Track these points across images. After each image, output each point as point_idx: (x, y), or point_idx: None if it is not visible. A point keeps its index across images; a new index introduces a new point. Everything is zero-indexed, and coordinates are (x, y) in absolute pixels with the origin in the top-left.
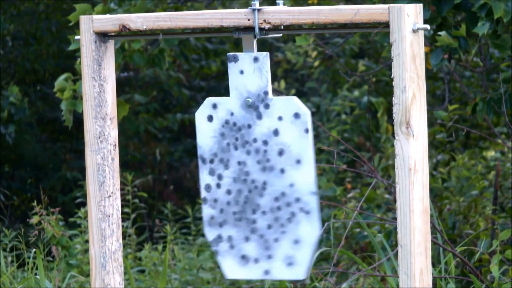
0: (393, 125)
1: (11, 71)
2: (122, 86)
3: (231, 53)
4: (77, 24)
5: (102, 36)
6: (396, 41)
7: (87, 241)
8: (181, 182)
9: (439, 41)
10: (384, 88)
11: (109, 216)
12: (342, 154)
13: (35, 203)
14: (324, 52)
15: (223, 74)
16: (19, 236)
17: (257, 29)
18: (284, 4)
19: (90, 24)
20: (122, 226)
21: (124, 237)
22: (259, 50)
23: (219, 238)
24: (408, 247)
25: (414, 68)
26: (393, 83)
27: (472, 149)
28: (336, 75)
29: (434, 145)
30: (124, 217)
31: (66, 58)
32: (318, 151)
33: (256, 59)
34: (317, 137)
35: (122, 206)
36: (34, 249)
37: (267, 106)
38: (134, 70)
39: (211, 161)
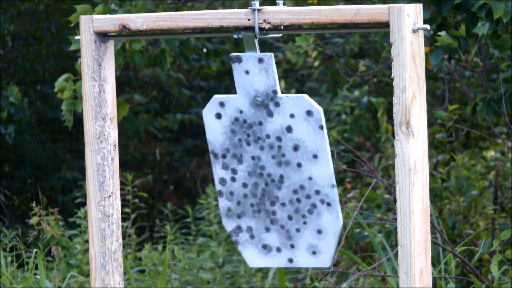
0: (393, 125)
1: (11, 71)
2: (122, 86)
3: (234, 54)
4: (77, 25)
5: (102, 36)
6: (396, 41)
7: (87, 241)
8: (181, 182)
9: (439, 41)
10: (384, 88)
11: (109, 216)
12: (342, 154)
13: (34, 203)
14: (324, 52)
15: (223, 74)
16: (18, 236)
17: (257, 29)
18: (284, 4)
19: (90, 24)
20: (122, 226)
21: (124, 237)
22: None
23: (238, 228)
24: (408, 247)
25: (414, 68)
26: (393, 83)
27: (472, 149)
28: (336, 75)
29: (434, 145)
30: (124, 217)
31: (66, 58)
32: None
33: (261, 60)
34: None
35: (122, 206)
36: (34, 249)
37: (277, 104)
38: (134, 69)
39: (224, 156)
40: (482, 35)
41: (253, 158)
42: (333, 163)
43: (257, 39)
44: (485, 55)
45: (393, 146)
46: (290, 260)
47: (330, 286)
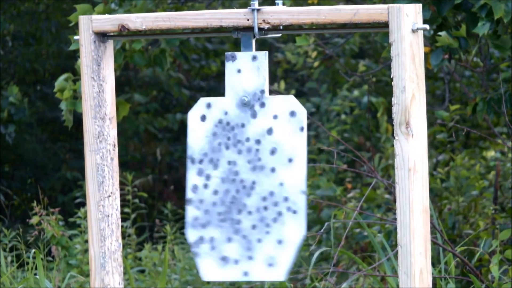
0: (393, 125)
1: (11, 71)
2: (122, 86)
3: (230, 52)
4: (77, 24)
5: (101, 36)
6: (396, 41)
7: (87, 241)
8: (181, 182)
9: (439, 41)
10: (384, 88)
11: (108, 216)
12: (342, 154)
13: (35, 203)
14: (324, 52)
15: (223, 74)
16: (18, 236)
17: (256, 29)
18: (283, 4)
19: (89, 24)
20: (122, 226)
21: (124, 237)
22: (258, 50)
23: (200, 239)
24: (408, 247)
25: (414, 68)
26: (392, 83)
27: (472, 149)
28: (336, 75)
29: (434, 145)
30: (124, 217)
31: (66, 58)
32: (318, 151)
33: (254, 58)
34: (317, 137)
35: (122, 206)
36: (34, 249)
37: (263, 105)
38: (134, 69)
39: (200, 161)
40: (483, 35)
41: (229, 163)
42: (333, 163)
43: (254, 39)
44: (485, 55)
45: (393, 146)
46: (245, 273)
47: (330, 286)
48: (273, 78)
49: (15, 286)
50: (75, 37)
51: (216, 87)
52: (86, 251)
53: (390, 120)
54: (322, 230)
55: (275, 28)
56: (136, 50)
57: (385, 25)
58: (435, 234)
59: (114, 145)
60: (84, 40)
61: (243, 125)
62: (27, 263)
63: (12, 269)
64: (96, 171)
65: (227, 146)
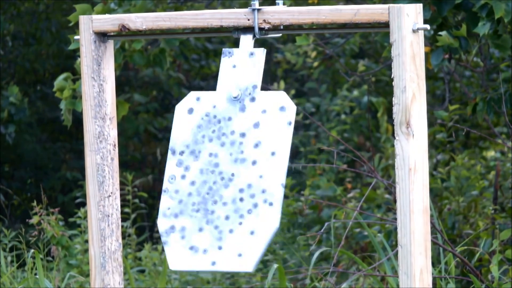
0: (393, 125)
1: (11, 71)
2: (122, 86)
3: (227, 48)
4: (77, 24)
5: (102, 36)
6: (396, 41)
7: (87, 241)
8: None
9: (439, 41)
10: (384, 88)
11: (108, 216)
12: (342, 154)
13: (35, 203)
14: (324, 52)
15: None
16: (19, 236)
17: (256, 29)
18: (284, 4)
19: (90, 24)
20: (122, 226)
21: (124, 237)
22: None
23: (171, 228)
24: (408, 247)
25: (414, 68)
26: (393, 83)
27: (472, 149)
28: (336, 75)
29: (434, 145)
30: (124, 217)
31: (66, 58)
32: (318, 151)
33: (252, 54)
34: (317, 137)
35: (122, 206)
36: (33, 249)
37: (253, 99)
38: (134, 69)
39: (181, 153)
40: (483, 35)
41: (210, 155)
42: (333, 163)
43: (253, 39)
44: (486, 55)
45: (393, 146)
46: (213, 263)
47: (330, 286)
48: (273, 78)
49: (15, 286)
50: (75, 37)
51: (216, 87)
52: (86, 251)
53: (390, 120)
54: (322, 230)
55: (275, 28)
56: (135, 49)
57: (386, 25)
58: (435, 234)
59: (114, 145)
60: (85, 40)
61: (229, 119)
62: (27, 263)
63: (12, 269)
64: (96, 171)
65: (211, 139)
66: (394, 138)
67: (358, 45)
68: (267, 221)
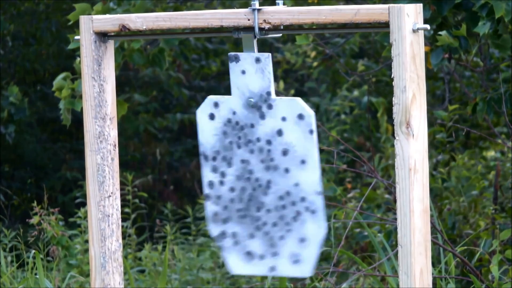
0: (393, 125)
1: (11, 71)
2: (122, 86)
3: (232, 53)
4: (77, 24)
5: (102, 36)
6: (396, 41)
7: (87, 241)
8: (181, 182)
9: (439, 40)
10: (384, 88)
11: (109, 216)
12: (342, 154)
13: (35, 203)
14: (324, 52)
15: (223, 74)
16: (18, 236)
17: (257, 29)
18: (284, 4)
19: (90, 24)
20: (122, 226)
21: (124, 237)
22: (259, 50)
23: (223, 234)
24: (408, 247)
25: (414, 68)
26: (393, 83)
27: (472, 149)
28: (336, 75)
29: (434, 145)
30: (124, 217)
31: (66, 58)
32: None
33: (258, 60)
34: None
35: (122, 206)
36: (34, 249)
37: (270, 107)
38: (134, 69)
39: (214, 159)
40: (483, 35)
41: (242, 161)
42: (333, 163)
43: (255, 39)
44: (486, 55)
45: (393, 146)
46: (272, 269)
47: (330, 286)
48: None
49: (15, 286)
50: (76, 37)
51: (216, 87)
52: (86, 251)
53: (390, 120)
54: (326, 230)
55: (275, 28)
56: (135, 49)
57: (386, 25)
58: (435, 234)
59: (115, 145)
60: (85, 40)
61: (252, 126)
62: (27, 263)
63: (12, 269)
64: (96, 171)
65: (239, 145)
66: (394, 138)
67: (358, 45)
68: (314, 229)
